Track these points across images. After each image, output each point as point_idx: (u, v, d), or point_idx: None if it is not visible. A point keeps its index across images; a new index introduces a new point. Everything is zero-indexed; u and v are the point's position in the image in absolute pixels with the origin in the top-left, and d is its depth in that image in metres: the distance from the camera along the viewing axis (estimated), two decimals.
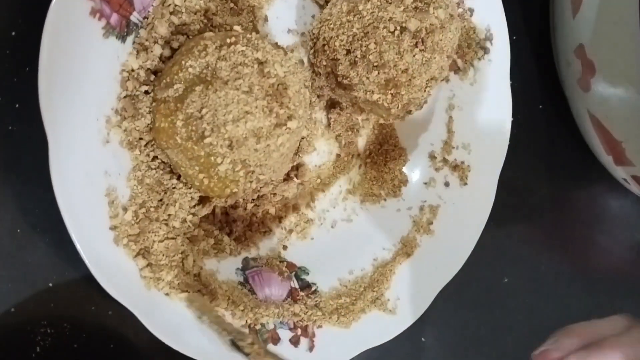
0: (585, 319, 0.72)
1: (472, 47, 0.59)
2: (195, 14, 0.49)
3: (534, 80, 0.68)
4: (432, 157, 0.61)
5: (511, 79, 0.60)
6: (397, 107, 0.53)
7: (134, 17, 0.47)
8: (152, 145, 0.48)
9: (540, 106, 0.68)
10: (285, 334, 0.54)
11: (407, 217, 0.61)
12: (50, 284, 0.51)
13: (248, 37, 0.47)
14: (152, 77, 0.48)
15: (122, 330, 0.53)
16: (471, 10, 0.59)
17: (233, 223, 0.54)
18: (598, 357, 0.36)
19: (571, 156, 0.69)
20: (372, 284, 0.58)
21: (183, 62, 0.45)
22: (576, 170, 0.70)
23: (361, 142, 0.60)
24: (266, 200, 0.55)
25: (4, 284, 0.50)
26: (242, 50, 0.45)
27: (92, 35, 0.45)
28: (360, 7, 0.50)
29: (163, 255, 0.48)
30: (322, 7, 0.56)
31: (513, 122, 0.61)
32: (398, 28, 0.49)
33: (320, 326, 0.55)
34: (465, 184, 0.60)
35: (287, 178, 0.55)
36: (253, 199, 0.54)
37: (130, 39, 0.48)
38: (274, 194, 0.55)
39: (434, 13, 0.50)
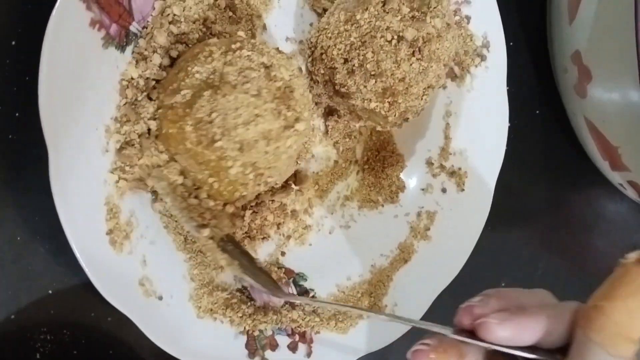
0: None
1: (469, 54, 0.60)
2: (194, 22, 0.50)
3: (530, 86, 0.68)
4: (429, 163, 0.61)
5: (508, 85, 0.61)
6: (395, 115, 0.53)
7: (133, 27, 0.48)
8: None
9: (537, 112, 0.68)
10: (283, 340, 0.54)
11: (404, 223, 0.61)
12: (50, 291, 0.51)
13: (252, 42, 0.47)
14: (153, 83, 0.48)
15: (121, 336, 0.53)
16: (468, 18, 0.59)
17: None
18: (519, 320, 0.37)
19: (568, 161, 0.70)
20: (369, 290, 0.58)
21: (189, 69, 0.45)
22: (573, 175, 0.70)
23: (359, 148, 0.61)
24: (264, 207, 0.55)
25: (4, 290, 0.50)
26: (248, 55, 0.46)
27: (92, 45, 0.45)
28: (358, 17, 0.50)
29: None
30: (320, 15, 0.56)
31: (510, 128, 0.61)
32: (395, 37, 0.50)
33: (318, 332, 0.55)
34: (463, 190, 0.61)
35: (286, 185, 0.55)
36: (251, 206, 0.55)
37: (129, 48, 0.48)
38: (272, 200, 0.55)
39: (430, 22, 0.50)
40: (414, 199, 0.61)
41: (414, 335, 0.61)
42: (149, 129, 0.48)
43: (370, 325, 0.57)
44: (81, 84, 0.45)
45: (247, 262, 0.51)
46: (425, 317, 0.58)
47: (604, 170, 0.64)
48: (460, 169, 0.61)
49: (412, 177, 0.62)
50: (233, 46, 0.46)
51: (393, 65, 0.50)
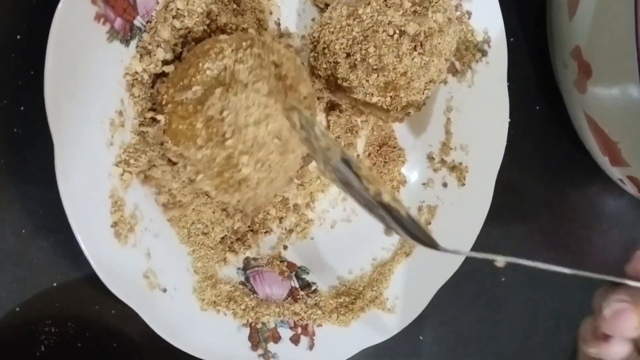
0: (582, 318, 0.73)
1: (470, 49, 0.60)
2: (198, 16, 0.50)
3: (531, 81, 0.68)
4: (430, 158, 0.62)
5: (508, 80, 0.61)
6: (396, 109, 0.53)
7: (138, 21, 0.48)
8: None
9: (537, 107, 0.69)
10: (285, 333, 0.55)
11: None
12: (55, 284, 0.51)
13: (262, 39, 0.48)
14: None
15: (125, 328, 0.53)
16: (469, 14, 0.59)
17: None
18: None
19: (568, 157, 0.70)
20: (371, 283, 0.59)
21: (200, 65, 0.46)
22: (572, 170, 0.70)
23: (360, 143, 0.61)
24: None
25: (9, 283, 0.50)
26: (259, 54, 0.46)
27: (97, 39, 0.46)
28: (360, 11, 0.51)
29: None
30: (322, 10, 0.57)
31: (510, 123, 0.61)
32: (397, 32, 0.50)
33: (320, 325, 0.56)
34: (463, 184, 0.61)
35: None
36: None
37: (133, 42, 0.48)
38: (275, 195, 0.55)
39: (432, 17, 0.50)
40: (415, 193, 0.62)
41: (414, 331, 0.61)
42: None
43: (372, 318, 0.58)
44: (86, 78, 0.45)
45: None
46: (426, 310, 0.59)
47: (604, 166, 0.64)
48: (461, 163, 0.61)
49: (413, 172, 0.62)
50: (244, 44, 0.46)
51: (395, 60, 0.50)
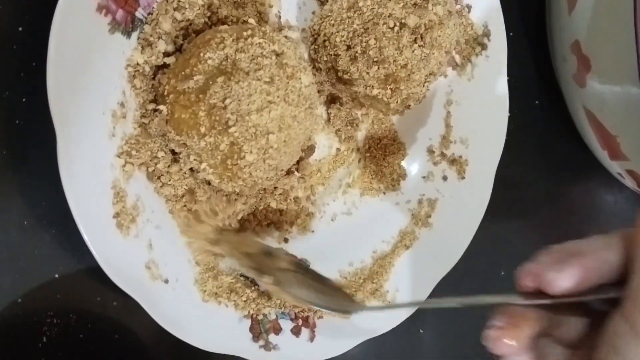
0: None
1: (469, 43, 0.60)
2: (199, 8, 0.50)
3: (530, 76, 0.68)
4: (430, 151, 0.62)
5: (508, 74, 0.61)
6: (397, 102, 0.54)
7: (139, 13, 0.48)
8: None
9: (537, 102, 0.69)
10: (286, 324, 0.55)
11: (405, 210, 0.62)
12: (57, 276, 0.52)
13: (263, 29, 0.48)
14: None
15: (127, 320, 0.53)
16: (469, 7, 0.60)
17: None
18: (578, 264, 0.37)
19: (567, 151, 0.70)
20: (371, 275, 0.59)
21: (201, 55, 0.46)
22: (572, 164, 0.70)
23: (361, 136, 0.61)
24: (268, 193, 0.56)
25: (11, 275, 0.50)
26: (260, 43, 0.46)
27: (99, 31, 0.46)
28: (361, 4, 0.51)
29: None
30: (322, 3, 0.57)
31: (510, 117, 0.61)
32: (397, 24, 0.50)
33: (321, 317, 0.56)
34: (463, 177, 0.61)
35: (289, 172, 0.56)
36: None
37: (135, 34, 0.48)
38: (276, 187, 0.56)
39: (432, 9, 0.51)
40: (415, 186, 0.62)
41: (414, 325, 0.61)
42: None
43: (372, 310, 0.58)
44: (88, 69, 0.45)
45: (318, 285, 0.52)
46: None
47: (603, 160, 0.64)
48: (461, 157, 0.61)
49: (413, 165, 0.62)
50: (244, 33, 0.47)
51: (395, 52, 0.50)
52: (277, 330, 0.54)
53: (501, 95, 0.61)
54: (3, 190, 0.50)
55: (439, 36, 0.51)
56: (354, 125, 0.60)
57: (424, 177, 0.62)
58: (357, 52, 0.51)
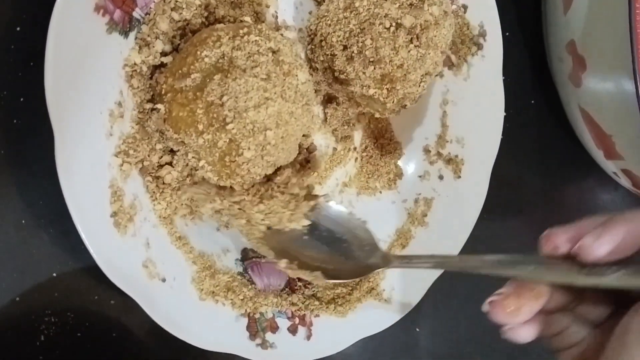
0: None
1: (465, 43, 0.60)
2: (196, 9, 0.50)
3: (526, 75, 0.69)
4: (426, 150, 0.62)
5: (504, 74, 0.61)
6: (393, 102, 0.54)
7: (137, 13, 0.48)
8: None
9: (533, 101, 0.69)
10: (283, 323, 0.55)
11: (402, 209, 0.62)
12: (55, 274, 0.52)
13: (259, 27, 0.48)
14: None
15: (124, 318, 0.54)
16: (465, 7, 0.60)
17: None
18: (615, 230, 0.36)
19: (562, 150, 0.70)
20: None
21: (198, 53, 0.46)
22: (567, 163, 0.71)
23: (357, 136, 0.61)
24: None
25: (9, 273, 0.50)
26: (256, 40, 0.47)
27: (96, 30, 0.46)
28: (357, 4, 0.51)
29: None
30: (319, 3, 0.57)
31: (506, 117, 0.61)
32: (393, 24, 0.51)
33: (317, 315, 0.56)
34: (459, 177, 0.62)
35: (301, 168, 0.57)
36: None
37: (132, 34, 0.48)
38: (278, 186, 0.56)
39: (428, 10, 0.51)
40: (412, 185, 0.62)
41: (410, 323, 0.62)
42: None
43: (369, 309, 0.58)
44: (86, 69, 0.45)
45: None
46: (422, 302, 0.59)
47: (598, 159, 0.65)
48: (457, 156, 0.62)
49: (409, 164, 0.63)
50: (241, 31, 0.47)
51: (391, 52, 0.51)
52: (274, 328, 0.54)
53: (497, 95, 0.61)
54: (1, 190, 0.50)
55: (435, 36, 0.51)
56: (351, 124, 0.60)
57: (420, 177, 0.62)
58: (353, 52, 0.51)
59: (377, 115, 0.58)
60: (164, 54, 0.49)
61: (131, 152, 0.48)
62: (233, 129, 0.45)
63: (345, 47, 0.52)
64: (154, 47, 0.49)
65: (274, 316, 0.55)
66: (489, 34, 0.61)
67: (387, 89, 0.53)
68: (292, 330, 0.55)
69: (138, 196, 0.49)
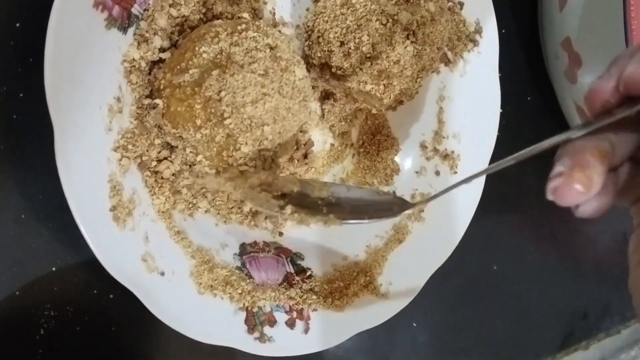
0: (571, 306, 0.74)
1: (461, 39, 0.61)
2: (194, 5, 0.51)
3: (522, 72, 0.69)
4: (423, 146, 0.63)
5: (500, 71, 0.62)
6: (389, 98, 0.54)
7: (135, 9, 0.49)
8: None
9: (529, 98, 0.70)
10: (281, 317, 0.55)
11: None
12: (54, 268, 0.52)
13: (257, 24, 0.49)
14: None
15: (123, 312, 0.54)
16: (461, 4, 0.60)
17: None
18: None
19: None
20: (365, 269, 0.59)
21: (196, 48, 0.47)
22: None
23: (354, 132, 0.62)
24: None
25: (8, 267, 0.51)
26: (254, 37, 0.47)
27: (95, 27, 0.46)
28: (354, 1, 0.52)
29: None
30: (316, 0, 0.57)
31: (502, 113, 0.62)
32: (390, 20, 0.51)
33: (315, 309, 0.57)
34: (456, 172, 0.62)
35: (300, 163, 0.57)
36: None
37: (131, 30, 0.49)
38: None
39: (424, 6, 0.51)
40: (408, 181, 0.63)
41: (407, 318, 0.62)
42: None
43: (366, 303, 0.58)
44: (85, 64, 0.46)
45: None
46: (419, 297, 0.60)
47: None
48: (453, 152, 0.62)
49: (406, 160, 0.63)
50: (239, 27, 0.47)
51: (388, 48, 0.51)
52: (272, 322, 0.55)
53: (493, 91, 0.62)
54: (1, 184, 0.50)
55: (431, 32, 0.52)
56: (348, 120, 0.60)
57: (417, 172, 0.63)
58: (350, 48, 0.52)
59: (374, 111, 0.58)
60: (162, 49, 0.50)
61: (130, 146, 0.48)
62: (230, 124, 0.46)
63: (342, 44, 0.53)
64: (152, 43, 0.49)
65: (272, 310, 0.55)
66: (485, 30, 0.61)
67: (384, 84, 0.53)
68: (290, 324, 0.55)
69: (137, 190, 0.50)
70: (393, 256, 0.60)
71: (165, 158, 0.50)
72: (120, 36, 0.48)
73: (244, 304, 0.54)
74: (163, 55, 0.49)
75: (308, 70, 0.56)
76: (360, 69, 0.52)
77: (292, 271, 0.57)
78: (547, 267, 0.72)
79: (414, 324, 0.65)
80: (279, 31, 0.51)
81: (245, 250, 0.56)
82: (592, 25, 0.57)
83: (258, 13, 0.55)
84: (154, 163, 0.50)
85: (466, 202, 0.61)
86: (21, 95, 0.50)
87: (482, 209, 0.61)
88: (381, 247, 0.61)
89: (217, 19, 0.52)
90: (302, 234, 0.59)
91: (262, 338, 0.54)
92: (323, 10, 0.53)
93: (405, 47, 0.51)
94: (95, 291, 0.53)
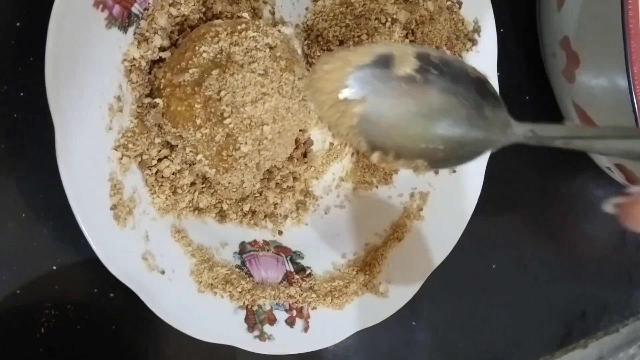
0: (570, 305, 0.74)
1: (460, 39, 0.61)
2: (194, 4, 0.51)
3: (520, 71, 0.69)
4: None
5: (498, 70, 0.62)
6: None
7: (135, 8, 0.49)
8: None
9: (527, 97, 0.70)
10: (281, 315, 0.55)
11: (398, 203, 0.62)
12: (54, 267, 0.52)
13: (257, 23, 0.49)
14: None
15: (124, 311, 0.54)
16: (459, 3, 0.60)
17: None
18: None
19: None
20: (364, 267, 0.59)
21: (196, 48, 0.47)
22: (561, 158, 0.71)
23: None
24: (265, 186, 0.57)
25: (9, 266, 0.51)
26: (254, 36, 0.47)
27: (96, 26, 0.46)
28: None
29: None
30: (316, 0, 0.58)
31: None
32: (389, 19, 0.51)
33: (314, 308, 0.57)
34: (454, 171, 0.62)
35: (300, 162, 0.58)
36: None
37: (131, 29, 0.49)
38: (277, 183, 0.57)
39: (423, 5, 0.51)
40: (407, 180, 0.63)
41: (406, 316, 0.62)
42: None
43: (365, 302, 0.59)
44: (85, 64, 0.46)
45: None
46: (418, 295, 0.60)
47: (592, 154, 0.65)
48: None
49: None
50: (239, 27, 0.48)
51: None
52: (272, 320, 0.55)
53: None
54: (1, 183, 0.50)
55: (430, 31, 0.52)
56: None
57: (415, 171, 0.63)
58: (349, 47, 0.52)
59: None
60: (162, 49, 0.50)
61: (130, 145, 0.48)
62: (230, 123, 0.46)
63: (341, 43, 0.53)
64: (152, 42, 0.49)
65: (272, 308, 0.55)
66: (483, 30, 0.61)
67: None
68: (290, 322, 0.56)
69: (137, 189, 0.50)
70: (392, 255, 0.60)
71: (166, 157, 0.51)
72: (120, 35, 0.48)
73: (243, 303, 0.54)
74: (163, 55, 0.50)
75: (307, 70, 0.57)
76: None
77: (292, 270, 0.58)
78: (546, 266, 0.72)
79: (413, 323, 0.66)
80: (279, 30, 0.51)
81: (245, 249, 0.56)
82: (590, 24, 0.57)
83: (258, 12, 0.55)
84: (154, 162, 0.50)
85: (465, 201, 0.61)
86: (22, 94, 0.50)
87: (481, 208, 0.62)
88: (380, 246, 0.61)
89: (217, 18, 0.52)
90: (302, 232, 0.59)
91: (262, 336, 0.54)
92: (322, 10, 0.54)
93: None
94: (95, 290, 0.53)
